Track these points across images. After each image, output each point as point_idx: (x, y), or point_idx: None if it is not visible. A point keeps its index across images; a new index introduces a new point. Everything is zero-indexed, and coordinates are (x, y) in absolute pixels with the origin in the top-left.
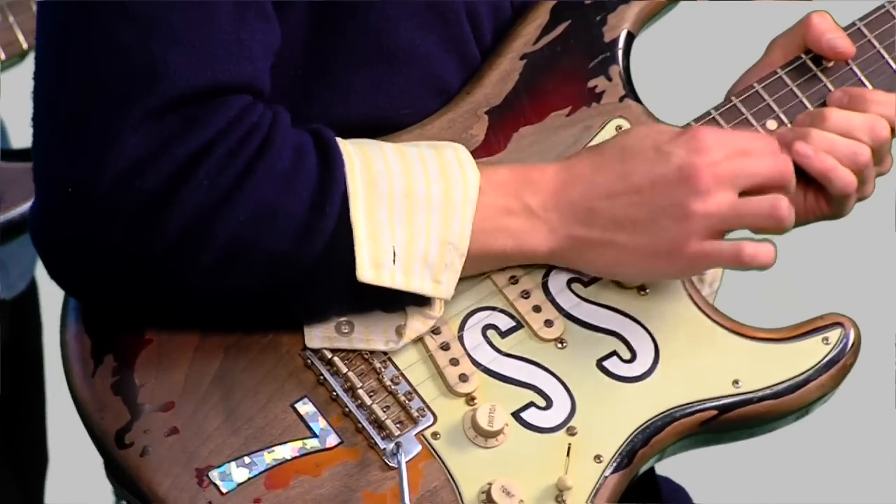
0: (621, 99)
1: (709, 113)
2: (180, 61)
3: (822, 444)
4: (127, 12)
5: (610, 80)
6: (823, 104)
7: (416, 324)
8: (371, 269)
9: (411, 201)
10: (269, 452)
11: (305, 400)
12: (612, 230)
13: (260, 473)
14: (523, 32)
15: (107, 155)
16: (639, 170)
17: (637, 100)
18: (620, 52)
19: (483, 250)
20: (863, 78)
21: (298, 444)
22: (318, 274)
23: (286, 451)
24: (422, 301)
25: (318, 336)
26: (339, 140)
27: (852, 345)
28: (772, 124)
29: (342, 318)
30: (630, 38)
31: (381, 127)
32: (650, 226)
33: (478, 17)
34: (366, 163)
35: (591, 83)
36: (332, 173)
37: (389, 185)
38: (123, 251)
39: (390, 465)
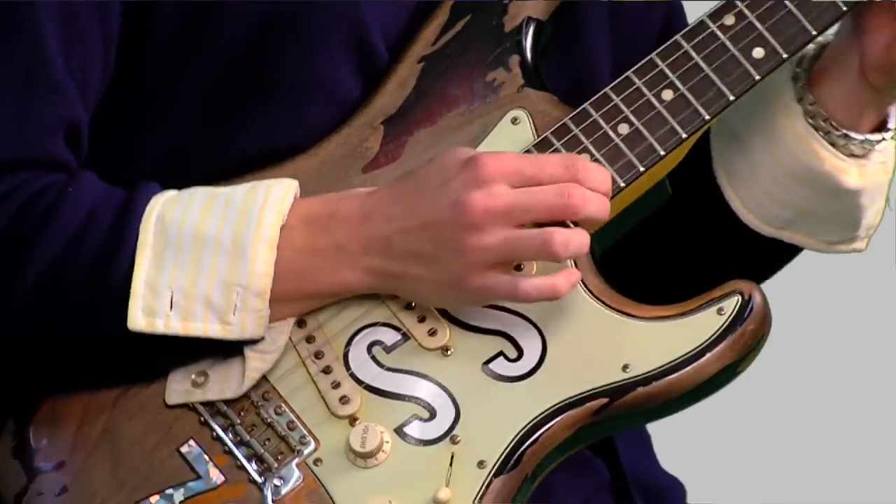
0: (520, 89)
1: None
2: None
3: (827, 445)
4: None
5: (509, 70)
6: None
7: (255, 363)
8: (143, 317)
9: (199, 245)
10: (154, 500)
11: (191, 442)
12: (407, 263)
13: None
14: (423, 35)
15: None
16: (425, 204)
17: (541, 87)
18: (523, 41)
19: (297, 292)
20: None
21: (183, 488)
22: (99, 333)
23: (171, 497)
24: (248, 342)
25: (176, 391)
26: (155, 193)
27: (753, 310)
28: (623, 128)
29: (197, 370)
30: (537, 25)
31: (284, 156)
32: (436, 260)
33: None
34: (163, 213)
35: (489, 77)
36: (122, 232)
37: (180, 231)
38: None
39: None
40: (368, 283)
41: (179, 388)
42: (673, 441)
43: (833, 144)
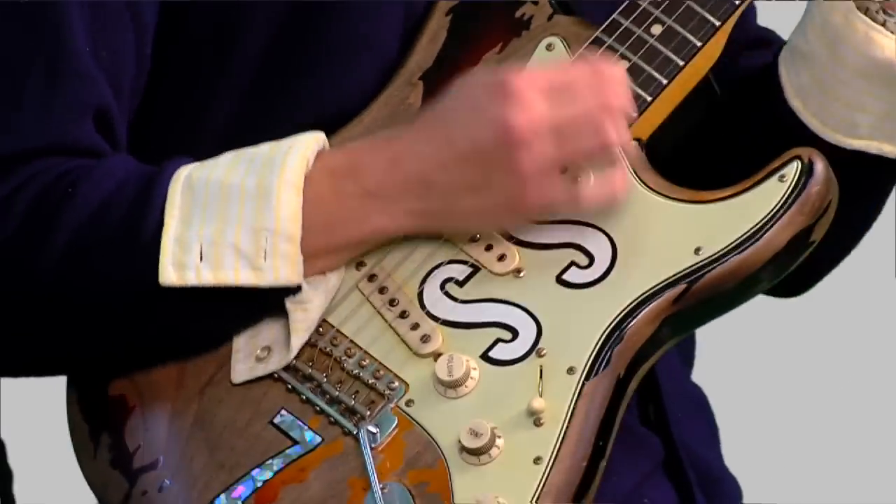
0: (550, 17)
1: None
2: None
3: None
4: None
5: (536, 3)
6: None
7: (298, 315)
8: (174, 271)
9: (225, 196)
10: (255, 474)
11: (282, 411)
12: (452, 197)
13: (248, 497)
14: None
15: None
16: (460, 135)
17: (570, 12)
18: None
19: (329, 244)
20: None
21: (281, 456)
22: (131, 298)
23: (271, 466)
24: (286, 292)
25: (240, 371)
26: (184, 163)
27: (815, 173)
28: (656, 28)
29: (261, 346)
30: None
31: (331, 124)
32: (487, 186)
33: None
34: (191, 174)
35: (517, 14)
36: (150, 196)
37: (206, 187)
38: None
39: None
40: (408, 226)
41: (244, 366)
42: (739, 445)
43: (892, 32)
